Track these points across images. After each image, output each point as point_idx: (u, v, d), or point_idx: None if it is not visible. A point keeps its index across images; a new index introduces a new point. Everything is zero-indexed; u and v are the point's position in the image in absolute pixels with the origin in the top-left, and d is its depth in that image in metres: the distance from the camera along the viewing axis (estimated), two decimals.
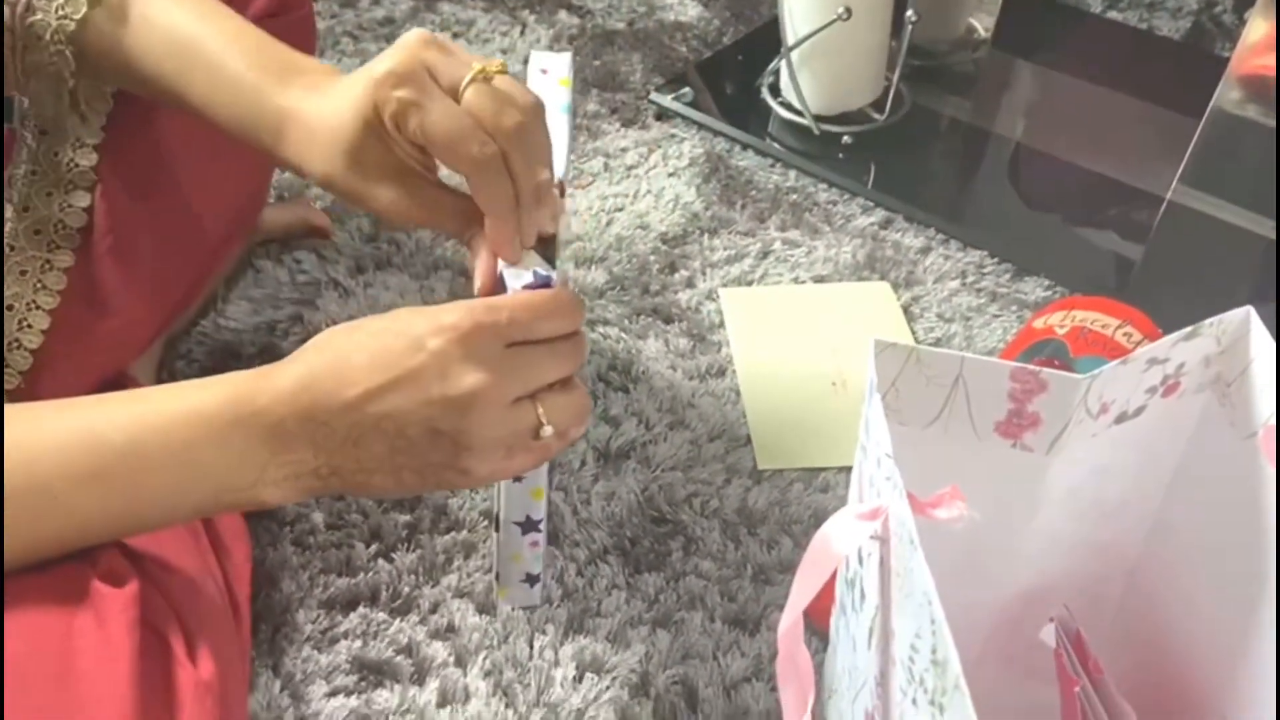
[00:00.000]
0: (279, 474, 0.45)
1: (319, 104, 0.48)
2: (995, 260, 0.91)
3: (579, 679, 0.62)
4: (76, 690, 0.40)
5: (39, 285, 0.58)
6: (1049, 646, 0.49)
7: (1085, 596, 0.52)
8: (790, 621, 0.40)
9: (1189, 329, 0.41)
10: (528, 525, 0.59)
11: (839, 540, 0.39)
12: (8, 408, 0.44)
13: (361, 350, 0.44)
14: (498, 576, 0.63)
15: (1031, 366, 0.39)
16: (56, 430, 0.44)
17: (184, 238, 0.66)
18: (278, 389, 0.44)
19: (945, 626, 0.33)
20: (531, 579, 0.63)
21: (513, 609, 0.65)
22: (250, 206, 0.77)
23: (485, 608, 0.65)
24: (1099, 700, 0.46)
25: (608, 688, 0.62)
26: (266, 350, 0.80)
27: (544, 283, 0.48)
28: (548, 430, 0.47)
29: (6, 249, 0.57)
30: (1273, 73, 0.90)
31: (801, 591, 0.40)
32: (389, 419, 0.44)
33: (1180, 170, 0.94)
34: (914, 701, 0.36)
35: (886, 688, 0.40)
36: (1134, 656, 0.52)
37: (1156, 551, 0.50)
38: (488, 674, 0.62)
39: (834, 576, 0.51)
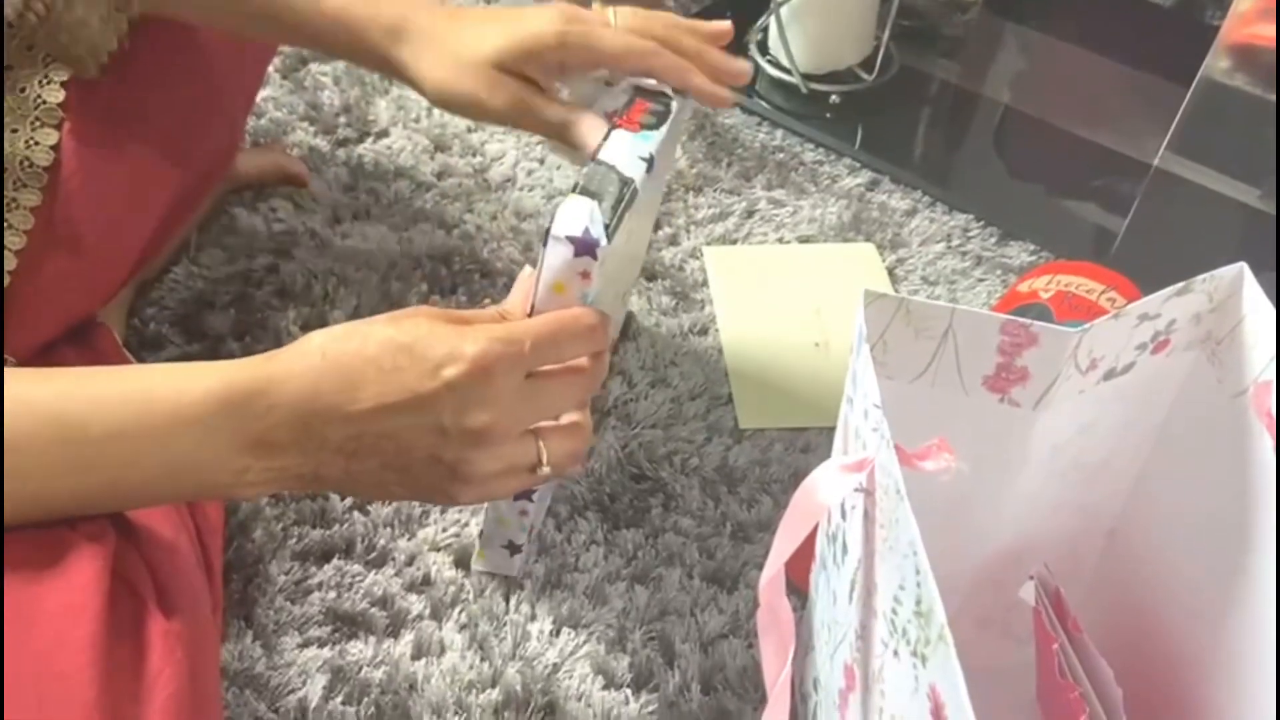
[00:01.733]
0: (261, 476, 0.43)
1: (457, 27, 0.56)
2: (981, 224, 0.90)
3: (555, 633, 0.62)
4: (40, 634, 0.39)
5: (6, 225, 0.57)
6: (1026, 606, 0.49)
7: (1063, 555, 0.52)
8: (772, 573, 0.40)
9: (1181, 284, 0.40)
10: (520, 493, 0.58)
11: (824, 491, 0.38)
12: None
13: (371, 365, 0.42)
14: (481, 534, 0.62)
15: (1023, 320, 0.39)
16: (36, 413, 0.41)
17: (155, 179, 0.64)
18: (275, 400, 0.42)
19: (930, 577, 0.32)
20: (513, 548, 0.61)
21: (486, 573, 0.64)
22: (224, 150, 0.75)
23: (462, 561, 0.65)
24: (1077, 658, 0.46)
25: (584, 642, 0.61)
26: (240, 299, 0.78)
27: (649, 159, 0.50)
28: (545, 470, 0.46)
29: None
30: (1261, 41, 0.89)
31: (785, 542, 0.39)
32: (390, 439, 0.43)
33: (1168, 138, 0.94)
34: (895, 654, 0.36)
35: (867, 641, 0.40)
36: (1112, 615, 0.52)
37: (1138, 510, 0.50)
38: (463, 627, 0.62)
39: (814, 533, 0.51)
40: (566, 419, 0.48)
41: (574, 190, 0.46)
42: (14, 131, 0.57)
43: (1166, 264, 0.86)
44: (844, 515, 0.43)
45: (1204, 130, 0.92)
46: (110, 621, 0.41)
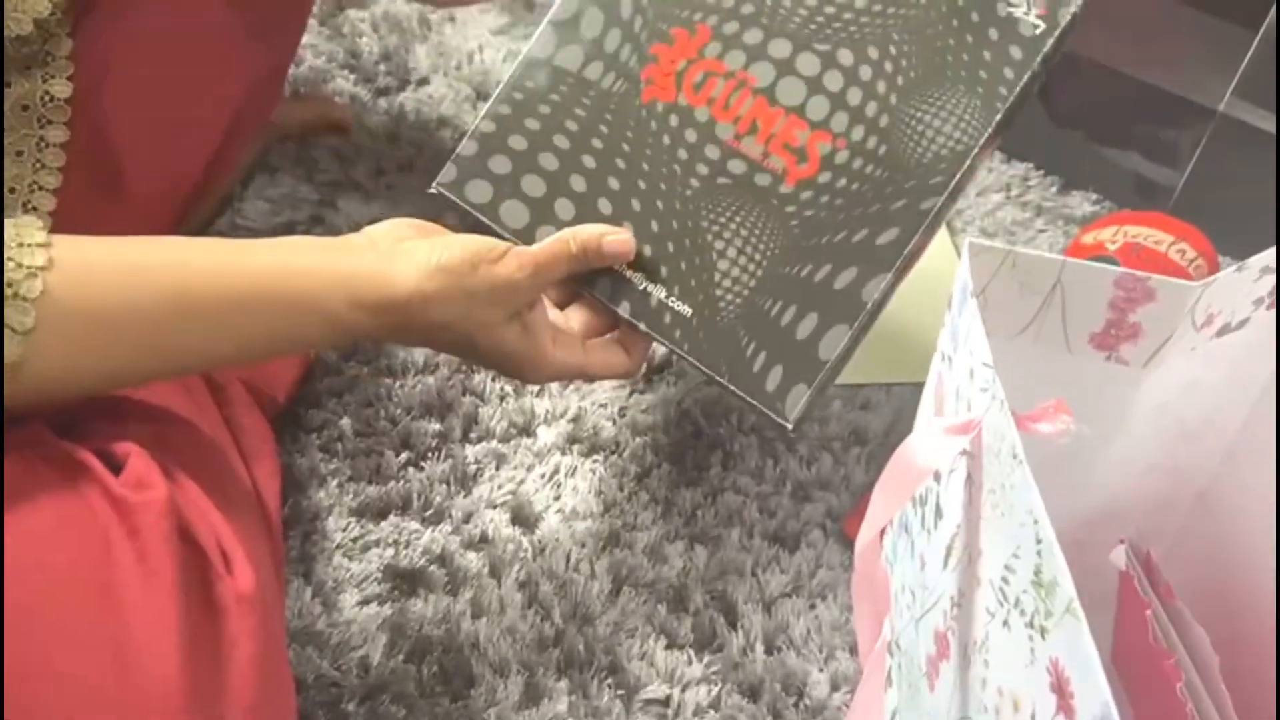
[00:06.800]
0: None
1: None
2: (1041, 173, 0.87)
3: (615, 593, 0.61)
4: (120, 608, 0.38)
5: (38, 165, 0.54)
6: (1102, 570, 0.48)
7: (1149, 516, 0.51)
8: (869, 538, 0.38)
9: None
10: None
11: (925, 455, 0.37)
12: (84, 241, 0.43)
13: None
14: None
15: (1141, 273, 0.37)
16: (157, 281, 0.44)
17: (185, 116, 0.61)
18: (370, 307, 0.48)
19: (1055, 546, 0.31)
20: None
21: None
22: (263, 90, 0.71)
23: (519, 519, 0.64)
24: (1170, 623, 0.44)
25: (644, 602, 0.60)
26: None
27: None
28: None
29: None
30: None
31: (883, 507, 0.38)
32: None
33: (1234, 83, 0.90)
34: (1005, 624, 0.35)
35: (967, 609, 0.38)
36: (1197, 578, 0.51)
37: (1232, 470, 0.48)
38: (522, 585, 0.61)
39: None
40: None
41: None
42: (27, 69, 0.54)
43: (1229, 213, 0.83)
44: (937, 478, 0.41)
45: (1272, 76, 0.89)
46: (184, 588, 0.40)
